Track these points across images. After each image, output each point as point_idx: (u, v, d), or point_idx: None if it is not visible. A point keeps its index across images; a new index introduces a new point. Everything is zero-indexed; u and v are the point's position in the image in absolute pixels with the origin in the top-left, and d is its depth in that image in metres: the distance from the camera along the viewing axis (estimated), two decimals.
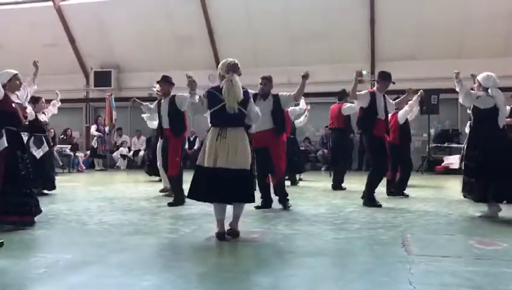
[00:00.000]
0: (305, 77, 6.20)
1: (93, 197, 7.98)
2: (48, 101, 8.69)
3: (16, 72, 5.54)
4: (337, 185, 9.21)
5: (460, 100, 6.11)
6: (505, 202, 5.92)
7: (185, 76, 4.91)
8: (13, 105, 5.19)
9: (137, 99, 8.04)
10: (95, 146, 15.87)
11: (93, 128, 16.11)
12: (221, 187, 4.46)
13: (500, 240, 4.51)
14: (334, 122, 9.46)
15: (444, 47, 14.20)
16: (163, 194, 8.20)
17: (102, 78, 16.92)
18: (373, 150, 6.97)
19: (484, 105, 5.85)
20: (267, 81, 6.47)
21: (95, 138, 15.87)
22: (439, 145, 14.67)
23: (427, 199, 7.67)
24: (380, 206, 6.69)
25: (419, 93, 7.84)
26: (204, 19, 15.38)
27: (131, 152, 16.65)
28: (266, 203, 6.55)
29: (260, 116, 4.95)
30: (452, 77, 6.14)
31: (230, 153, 4.49)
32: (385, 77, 7.08)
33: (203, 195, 4.63)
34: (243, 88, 4.64)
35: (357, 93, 6.94)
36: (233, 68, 4.66)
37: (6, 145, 4.87)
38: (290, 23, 14.83)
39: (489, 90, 5.87)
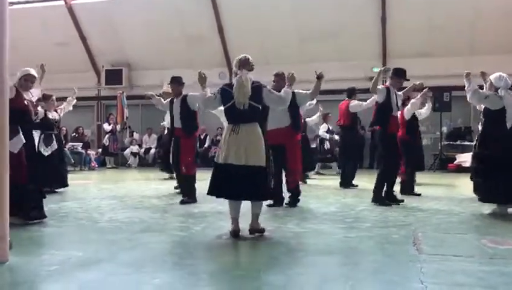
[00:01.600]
0: (319, 77, 6.13)
1: (104, 195, 8.02)
2: (60, 99, 8.73)
3: (27, 72, 5.57)
4: (346, 183, 9.18)
5: (468, 98, 6.07)
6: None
7: (196, 74, 4.97)
8: (25, 102, 5.30)
9: (150, 94, 7.91)
10: (107, 144, 15.97)
11: (105, 125, 16.20)
12: (233, 184, 4.44)
13: None
14: (342, 119, 9.43)
15: (455, 44, 14.10)
16: (178, 190, 8.19)
17: (114, 76, 17.02)
18: (386, 147, 6.91)
19: (493, 106, 5.85)
20: (279, 78, 6.42)
21: (107, 136, 15.96)
22: (451, 143, 14.57)
23: (438, 198, 7.62)
24: (390, 205, 6.64)
25: (423, 91, 7.75)
26: (214, 17, 15.40)
27: (143, 150, 16.72)
28: (278, 201, 6.54)
29: (286, 99, 4.85)
30: (463, 75, 6.10)
31: (242, 150, 4.46)
32: (400, 75, 6.98)
33: (218, 191, 4.62)
34: (254, 82, 4.61)
35: (378, 88, 6.88)
36: (243, 64, 4.65)
37: (24, 141, 5.06)
38: (300, 21, 14.79)
39: (499, 91, 5.85)
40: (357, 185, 9.13)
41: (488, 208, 6.16)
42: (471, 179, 6.19)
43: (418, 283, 3.11)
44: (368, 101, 8.38)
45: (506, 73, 6.01)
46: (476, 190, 6.11)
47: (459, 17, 13.65)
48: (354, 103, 9.13)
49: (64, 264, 3.60)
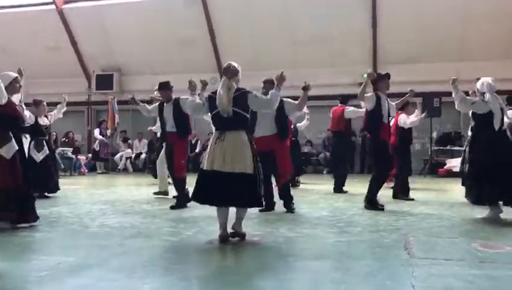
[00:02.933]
0: (306, 88, 6.07)
1: (94, 200, 7.98)
2: (50, 104, 8.68)
3: (16, 75, 5.56)
4: (339, 188, 9.20)
5: (456, 106, 6.20)
6: (501, 203, 5.98)
7: (188, 78, 5.02)
8: (16, 108, 5.36)
9: (135, 98, 7.85)
10: (97, 149, 15.90)
11: (96, 131, 16.14)
12: (219, 190, 4.43)
13: (503, 243, 4.49)
14: (335, 124, 9.43)
15: (445, 50, 14.21)
16: (156, 196, 8.28)
17: (105, 81, 16.97)
18: (377, 153, 6.92)
19: (481, 110, 5.98)
20: (269, 84, 6.36)
21: (97, 141, 15.90)
22: (441, 148, 14.65)
23: (429, 202, 7.65)
24: (383, 209, 6.67)
25: (409, 94, 7.72)
26: (205, 21, 15.41)
27: (133, 155, 16.66)
28: (269, 206, 6.54)
29: (273, 101, 4.76)
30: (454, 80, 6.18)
31: (227, 157, 4.44)
32: (383, 76, 7.04)
33: (204, 198, 4.61)
34: (239, 89, 4.60)
35: (366, 95, 6.90)
36: (225, 71, 4.67)
37: (17, 148, 5.15)
38: (291, 26, 14.86)
39: (485, 95, 5.99)
40: (346, 191, 9.14)
41: (479, 212, 6.20)
42: (463, 184, 6.27)
43: (409, 287, 3.11)
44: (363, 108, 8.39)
45: (496, 78, 6.12)
46: (467, 193, 6.18)
47: (449, 22, 13.77)
48: (350, 109, 9.11)
49: (54, 269, 3.57)
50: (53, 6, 16.22)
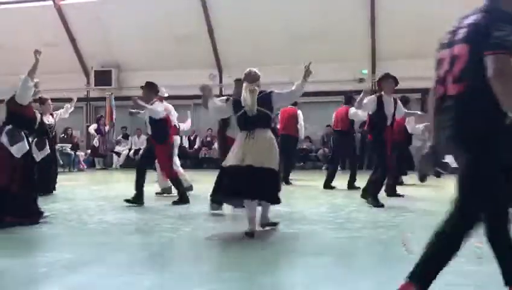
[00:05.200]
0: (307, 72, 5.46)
1: (93, 196, 7.98)
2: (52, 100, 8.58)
3: (36, 80, 5.64)
4: (352, 185, 9.16)
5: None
6: None
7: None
8: (34, 110, 5.64)
9: (138, 101, 7.21)
10: (96, 145, 15.89)
11: (91, 127, 16.11)
12: (251, 184, 4.52)
13: None
14: (339, 124, 9.45)
15: None
16: (158, 196, 8.18)
17: (103, 78, 16.93)
18: (377, 151, 6.89)
19: None
20: (240, 83, 5.91)
21: (96, 137, 15.89)
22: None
23: (427, 198, 7.67)
24: (383, 206, 6.66)
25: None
26: (204, 17, 15.38)
27: (132, 151, 16.64)
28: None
29: (295, 92, 4.98)
30: None
31: (258, 152, 4.62)
32: (384, 78, 6.93)
33: (233, 191, 4.68)
34: (261, 91, 4.81)
35: (363, 101, 6.84)
36: (246, 78, 4.86)
37: (28, 148, 5.34)
38: (290, 22, 14.81)
39: None
40: (334, 187, 9.11)
41: None
42: None
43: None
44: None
45: None
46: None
47: (448, 18, 13.61)
48: (353, 110, 9.07)
49: (53, 266, 3.58)
50: (51, 3, 16.17)
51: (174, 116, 8.21)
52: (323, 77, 13.97)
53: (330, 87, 14.15)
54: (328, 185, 9.19)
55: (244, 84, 4.82)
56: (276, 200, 4.80)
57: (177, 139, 8.71)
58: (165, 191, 8.12)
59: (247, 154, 4.61)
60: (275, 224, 4.98)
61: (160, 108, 7.08)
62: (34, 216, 5.32)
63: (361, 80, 7.15)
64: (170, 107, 7.96)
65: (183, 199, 6.91)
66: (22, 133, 5.31)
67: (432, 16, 13.80)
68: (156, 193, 8.16)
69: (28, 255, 4.06)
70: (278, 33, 14.97)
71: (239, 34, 15.03)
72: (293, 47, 15.00)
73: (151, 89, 7.21)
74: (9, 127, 5.29)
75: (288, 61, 14.61)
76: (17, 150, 5.21)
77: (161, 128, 7.06)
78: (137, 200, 6.77)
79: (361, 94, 6.90)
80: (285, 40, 15.07)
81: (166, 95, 8.14)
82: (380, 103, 6.77)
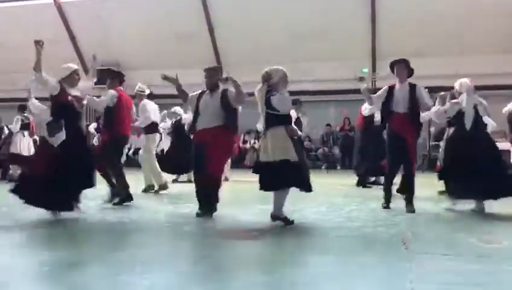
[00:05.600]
0: (225, 80, 5.68)
1: (94, 195, 7.96)
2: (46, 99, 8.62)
3: (75, 67, 5.72)
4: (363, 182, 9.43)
5: (435, 119, 6.91)
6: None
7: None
8: (69, 98, 5.60)
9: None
10: (96, 144, 15.87)
11: (92, 126, 16.09)
12: (272, 175, 4.95)
13: (501, 238, 4.51)
14: (361, 122, 9.53)
15: (445, 45, 14.17)
16: (160, 192, 8.34)
17: (103, 76, 16.89)
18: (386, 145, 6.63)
19: (451, 113, 6.50)
20: (212, 72, 5.81)
21: (96, 136, 15.87)
22: (439, 143, 14.62)
23: (427, 197, 7.66)
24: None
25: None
26: (204, 16, 15.37)
27: (131, 150, 16.62)
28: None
29: (285, 101, 5.11)
30: (453, 75, 6.27)
31: (269, 149, 5.00)
32: (395, 63, 6.76)
33: (271, 185, 5.07)
34: (269, 91, 5.05)
35: (373, 96, 6.67)
36: (262, 78, 5.17)
37: (64, 138, 5.37)
38: (290, 21, 14.80)
39: (462, 95, 6.35)
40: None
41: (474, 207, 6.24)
42: (440, 179, 6.58)
43: (407, 282, 3.12)
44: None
45: (496, 72, 6.28)
46: (446, 188, 6.50)
47: (449, 17, 13.72)
48: (364, 106, 9.02)
49: (54, 265, 3.58)
50: (51, 1, 16.17)
51: (151, 112, 9.00)
52: (323, 76, 14.03)
53: (330, 86, 14.15)
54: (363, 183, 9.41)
55: (259, 86, 5.15)
56: (301, 186, 5.14)
57: (155, 136, 9.64)
58: (161, 187, 8.37)
59: (261, 152, 5.15)
60: (283, 220, 5.10)
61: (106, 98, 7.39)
62: (63, 206, 5.43)
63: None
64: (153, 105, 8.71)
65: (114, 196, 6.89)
66: (62, 122, 5.42)
67: (433, 15, 13.82)
68: (154, 191, 8.47)
69: (28, 253, 4.06)
70: (278, 32, 14.96)
71: (239, 32, 15.02)
72: (294, 46, 15.00)
73: (115, 77, 7.58)
74: (50, 119, 5.49)
75: (288, 59, 14.58)
76: (56, 140, 5.38)
77: (109, 117, 7.19)
78: (126, 198, 6.81)
79: (363, 93, 6.82)
80: (286, 38, 15.06)
81: (147, 92, 9.03)
82: (390, 92, 6.45)
